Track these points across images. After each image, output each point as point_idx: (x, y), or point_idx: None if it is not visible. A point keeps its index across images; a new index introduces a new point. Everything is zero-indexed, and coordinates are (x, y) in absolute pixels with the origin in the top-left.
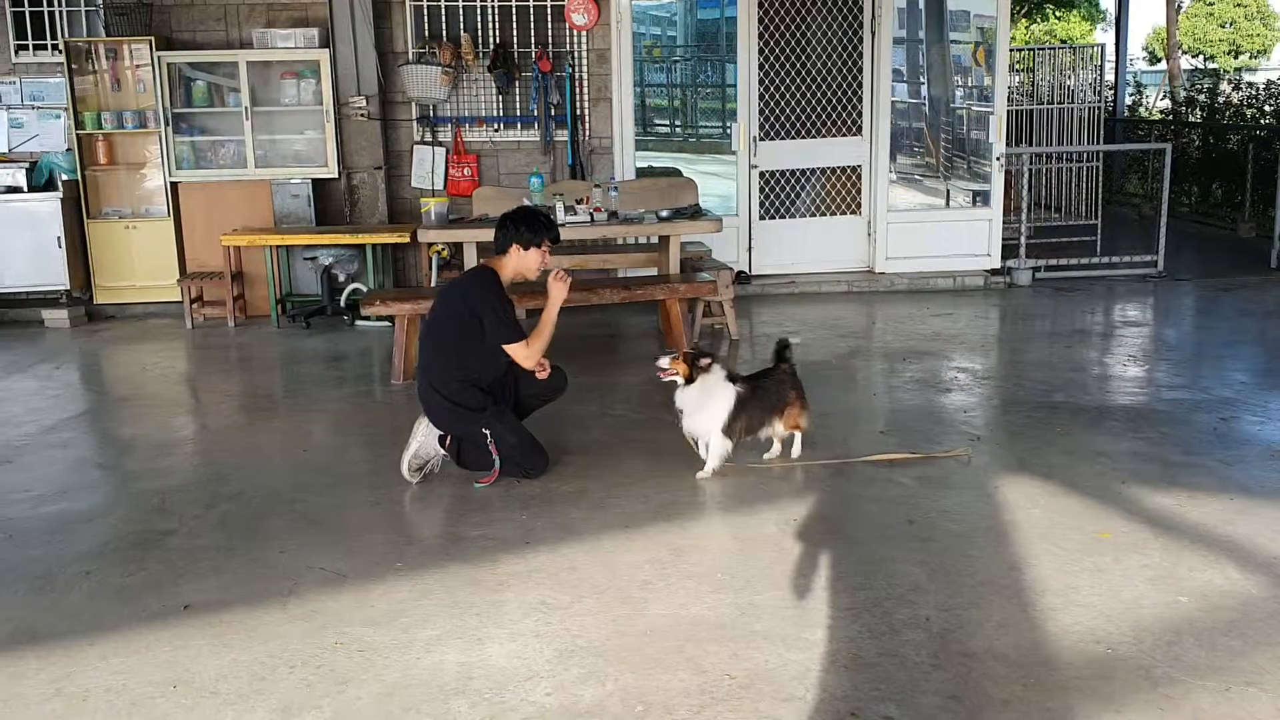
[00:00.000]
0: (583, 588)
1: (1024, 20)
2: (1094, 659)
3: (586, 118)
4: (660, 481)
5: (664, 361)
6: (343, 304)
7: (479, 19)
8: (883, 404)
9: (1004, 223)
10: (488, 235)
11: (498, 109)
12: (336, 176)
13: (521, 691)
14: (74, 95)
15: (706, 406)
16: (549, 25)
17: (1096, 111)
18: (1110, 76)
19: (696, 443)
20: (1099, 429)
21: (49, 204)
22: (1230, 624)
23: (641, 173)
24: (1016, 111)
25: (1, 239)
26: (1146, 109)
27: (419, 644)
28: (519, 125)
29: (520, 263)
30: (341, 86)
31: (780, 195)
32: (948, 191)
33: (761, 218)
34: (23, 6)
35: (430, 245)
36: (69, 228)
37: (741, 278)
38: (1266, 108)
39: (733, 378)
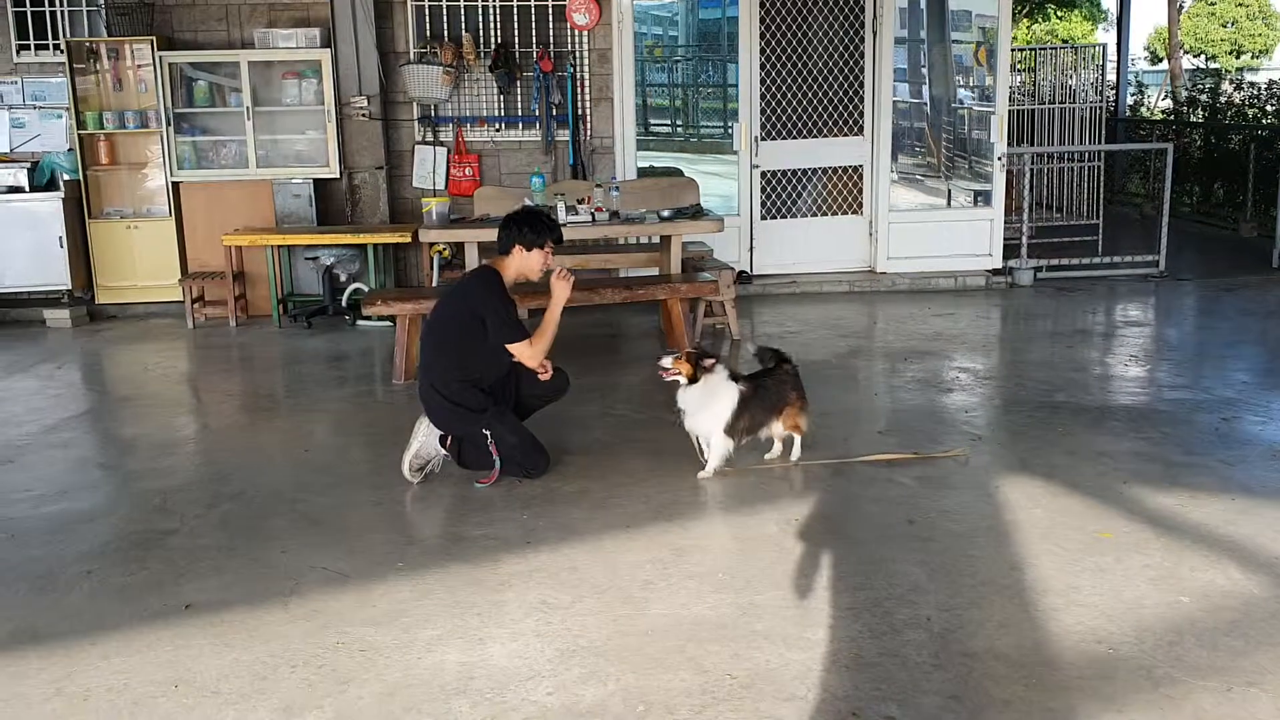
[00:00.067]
0: (584, 587)
1: (1025, 20)
2: (1095, 659)
3: (588, 117)
4: (661, 481)
5: (667, 361)
6: (344, 304)
7: (480, 19)
8: (884, 404)
9: (1005, 223)
10: (489, 235)
11: (499, 109)
12: (338, 176)
13: (523, 691)
14: (75, 95)
15: (709, 406)
16: (550, 25)
17: (1098, 111)
18: (1112, 76)
19: (699, 442)
20: (1101, 429)
21: (51, 204)
22: (1232, 624)
23: (643, 173)
24: (1018, 111)
25: (3, 239)
26: (1148, 109)
27: (420, 644)
28: (520, 125)
29: (523, 263)
30: (343, 86)
31: (782, 195)
32: (949, 191)
33: (763, 217)
34: (24, 6)
35: (431, 245)
36: (70, 227)
37: (743, 277)
38: (1268, 107)
39: (735, 377)
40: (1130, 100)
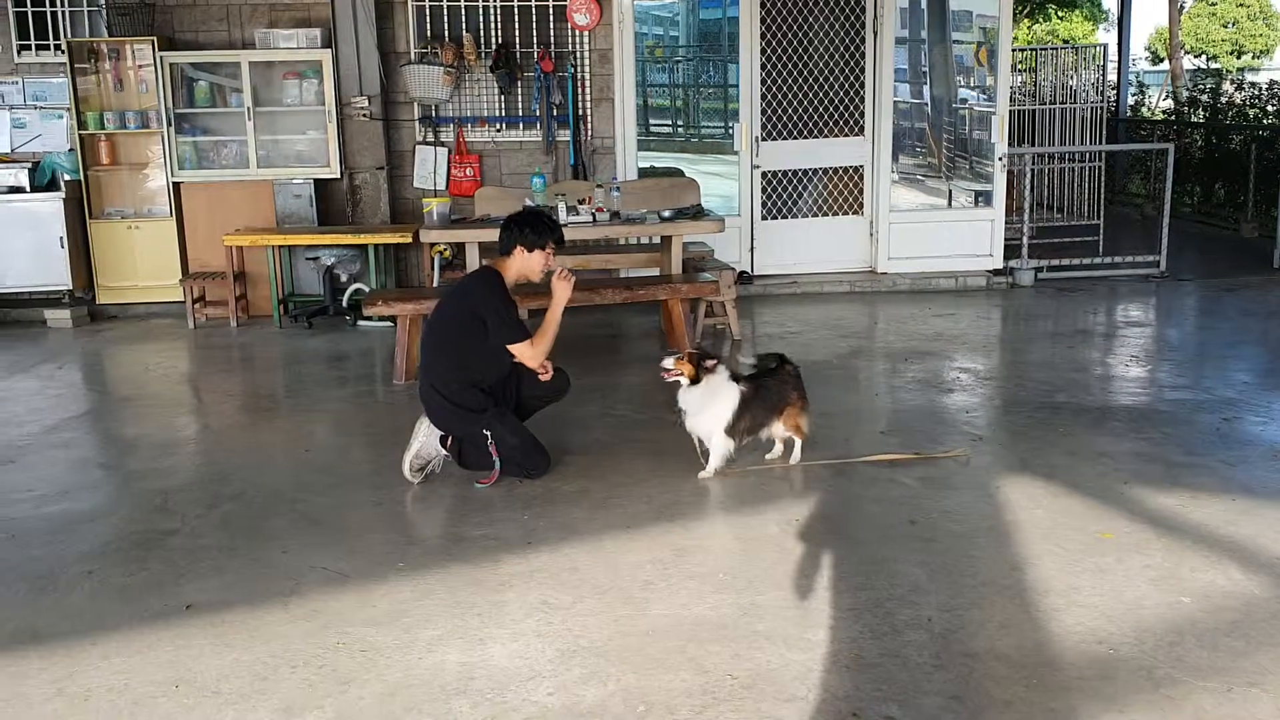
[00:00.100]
0: (585, 588)
1: (1026, 20)
2: (1096, 659)
3: (589, 118)
4: (662, 482)
5: (668, 362)
6: (345, 304)
7: (481, 19)
8: (885, 404)
9: (1006, 223)
10: (490, 235)
11: (500, 109)
12: (339, 177)
13: (523, 691)
14: (76, 95)
15: (710, 407)
16: (551, 25)
17: (1099, 111)
18: (1113, 76)
19: (699, 443)
20: (1101, 429)
21: (51, 204)
22: (1233, 625)
23: (644, 173)
24: (1019, 111)
25: (4, 239)
26: (1149, 109)
27: (421, 644)
28: (521, 125)
29: (524, 264)
30: (344, 87)
31: (782, 195)
32: (950, 192)
33: (764, 218)
34: (25, 7)
35: (432, 245)
36: (71, 228)
37: (744, 278)
38: (1269, 108)
39: (736, 378)
40: (1131, 100)
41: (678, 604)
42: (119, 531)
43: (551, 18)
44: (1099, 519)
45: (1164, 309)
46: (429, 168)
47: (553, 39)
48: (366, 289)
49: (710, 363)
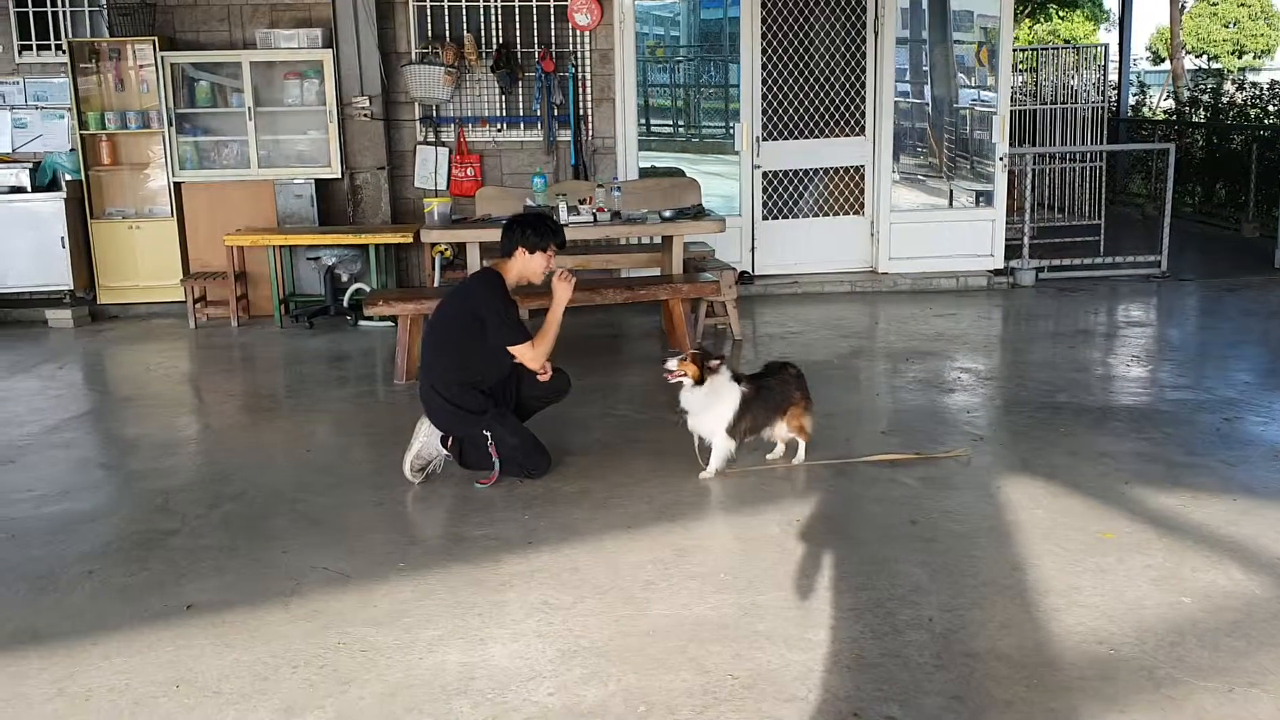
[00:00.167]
0: (585, 588)
1: (1027, 20)
2: (1097, 659)
3: (589, 118)
4: (663, 482)
5: (672, 364)
6: (346, 304)
7: (482, 19)
8: (885, 404)
9: (1007, 223)
10: (491, 235)
11: (501, 109)
12: (339, 177)
13: (524, 692)
14: (78, 95)
15: (712, 407)
16: (552, 25)
17: (1100, 111)
18: (1114, 76)
19: (699, 443)
20: (1102, 429)
21: (53, 204)
22: (1233, 625)
23: (644, 173)
24: (1020, 111)
25: (5, 239)
26: (1150, 109)
27: (421, 644)
28: (522, 125)
29: (525, 266)
30: (345, 87)
31: (783, 195)
32: (951, 192)
33: (764, 218)
34: (27, 6)
35: (433, 245)
36: (72, 228)
37: (744, 278)
38: (1270, 108)
39: (738, 377)
40: (1132, 100)
41: (678, 604)
42: (120, 531)
43: (552, 18)
44: (1100, 519)
45: (1165, 309)
46: (430, 168)
47: (553, 39)
48: (367, 289)
49: (714, 363)
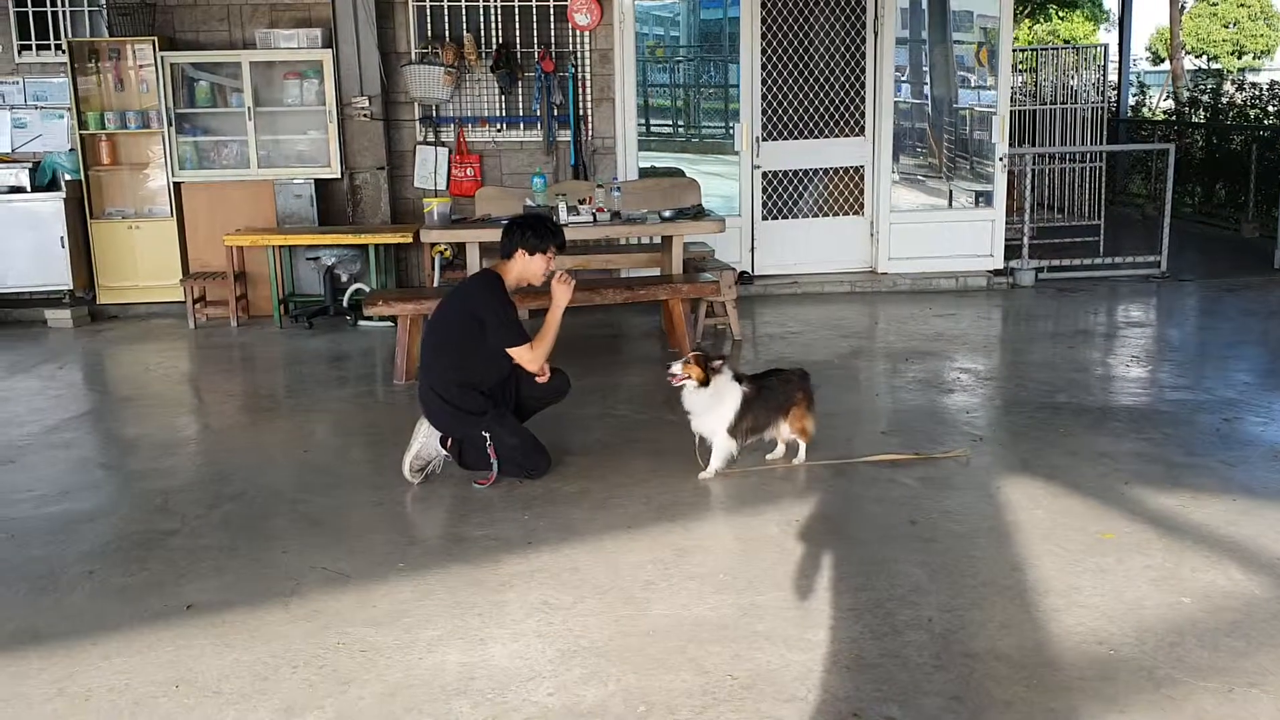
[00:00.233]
0: (585, 588)
1: (1027, 20)
2: (1096, 660)
3: (589, 118)
4: (663, 482)
5: (676, 368)
6: (345, 304)
7: (481, 19)
8: (885, 404)
9: (1007, 223)
10: (490, 235)
11: (500, 109)
12: (339, 177)
13: (524, 692)
14: (77, 95)
15: (714, 408)
16: (552, 25)
17: (1100, 112)
18: (1113, 77)
19: (699, 443)
20: (1102, 430)
21: (52, 204)
22: (1233, 625)
23: (644, 173)
24: (1019, 112)
25: (5, 239)
26: (1150, 109)
27: (421, 644)
28: (522, 125)
29: (525, 268)
30: (344, 87)
31: (783, 195)
32: (950, 192)
33: (764, 218)
34: (26, 6)
35: (433, 245)
36: (72, 228)
37: (744, 278)
38: (1270, 108)
39: (739, 378)
40: (1132, 101)
41: (678, 604)
42: (119, 531)
43: (552, 18)
44: (1099, 519)
45: (1165, 309)
46: (429, 168)
47: (553, 39)
48: (367, 289)
49: (716, 363)
